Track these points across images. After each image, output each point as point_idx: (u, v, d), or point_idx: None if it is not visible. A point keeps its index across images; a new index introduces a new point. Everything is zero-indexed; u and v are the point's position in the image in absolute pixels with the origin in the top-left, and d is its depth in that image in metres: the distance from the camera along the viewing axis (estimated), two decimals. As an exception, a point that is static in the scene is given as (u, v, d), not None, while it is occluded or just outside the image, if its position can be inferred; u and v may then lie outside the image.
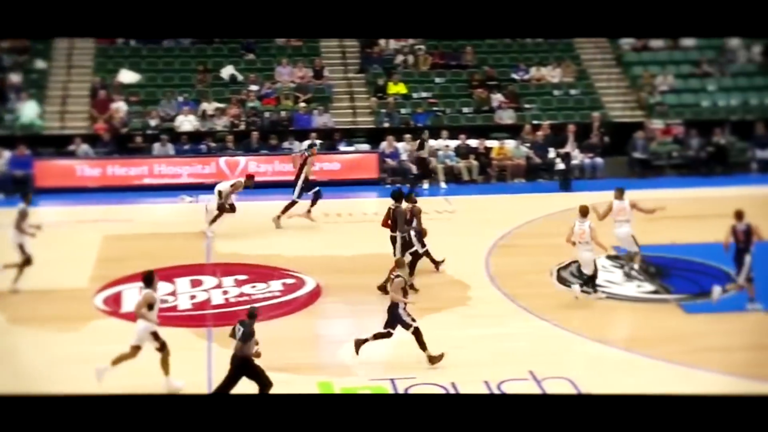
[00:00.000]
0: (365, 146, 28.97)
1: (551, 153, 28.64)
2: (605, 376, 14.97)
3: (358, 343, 15.49)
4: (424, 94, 31.22)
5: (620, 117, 31.14)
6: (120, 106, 29.56)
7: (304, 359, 15.56)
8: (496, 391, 14.29)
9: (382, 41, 32.51)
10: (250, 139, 28.73)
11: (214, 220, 22.24)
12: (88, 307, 18.15)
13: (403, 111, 30.48)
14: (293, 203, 23.01)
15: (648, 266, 19.55)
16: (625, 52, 33.30)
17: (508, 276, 19.47)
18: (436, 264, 19.57)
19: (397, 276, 15.51)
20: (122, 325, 17.39)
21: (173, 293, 18.81)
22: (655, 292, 18.78)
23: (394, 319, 15.35)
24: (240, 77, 31.19)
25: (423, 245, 19.00)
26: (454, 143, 28.75)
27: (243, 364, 13.66)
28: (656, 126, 30.40)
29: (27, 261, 18.69)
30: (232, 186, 22.33)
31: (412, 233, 18.83)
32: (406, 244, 18.66)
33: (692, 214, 23.09)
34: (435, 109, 30.77)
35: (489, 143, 28.90)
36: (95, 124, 29.19)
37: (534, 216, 24.09)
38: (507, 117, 30.45)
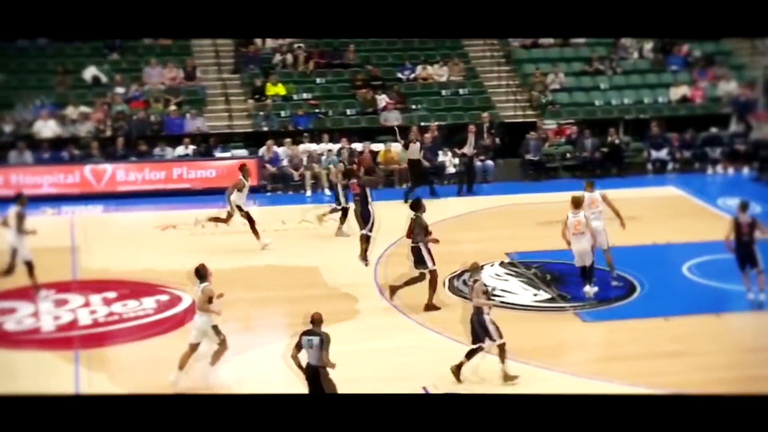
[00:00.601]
0: (243, 152, 28.78)
1: (443, 155, 28.90)
2: (504, 389, 15.16)
3: (456, 369, 15.42)
4: (304, 96, 31.20)
5: (512, 117, 31.56)
6: (-30, 111, 28.87)
7: (183, 381, 15.33)
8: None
9: (258, 39, 32.36)
10: (116, 146, 28.27)
11: (215, 219, 22.26)
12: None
13: (282, 113, 30.40)
14: (345, 210, 22.99)
15: (545, 273, 19.87)
16: (515, 49, 33.81)
17: (398, 287, 19.55)
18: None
19: (476, 281, 15.54)
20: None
21: (35, 314, 18.39)
22: (551, 300, 19.09)
23: (481, 329, 15.37)
24: (104, 78, 30.68)
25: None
26: (336, 147, 28.77)
27: (318, 374, 13.57)
28: (549, 126, 30.94)
29: (11, 269, 18.64)
30: (236, 189, 21.89)
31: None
32: (418, 256, 18.62)
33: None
34: (317, 111, 30.76)
35: (374, 146, 28.99)
36: (-58, 131, 28.44)
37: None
38: (393, 118, 30.61)
